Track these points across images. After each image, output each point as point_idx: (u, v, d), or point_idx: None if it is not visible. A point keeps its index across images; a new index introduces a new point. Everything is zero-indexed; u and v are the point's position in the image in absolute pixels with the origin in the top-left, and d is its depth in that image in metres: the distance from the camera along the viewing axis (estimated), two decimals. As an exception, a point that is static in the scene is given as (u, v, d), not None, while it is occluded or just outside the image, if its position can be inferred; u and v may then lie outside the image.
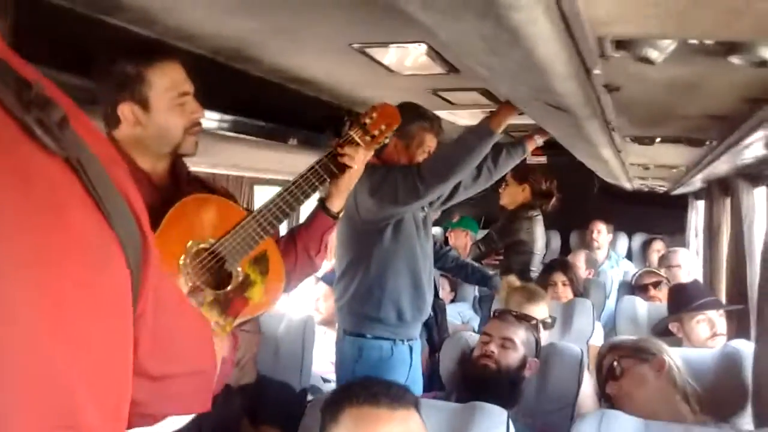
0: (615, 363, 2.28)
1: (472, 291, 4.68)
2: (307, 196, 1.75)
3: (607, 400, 2.30)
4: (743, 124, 1.54)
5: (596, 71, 1.11)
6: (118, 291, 0.62)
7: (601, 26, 0.88)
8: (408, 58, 2.37)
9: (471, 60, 1.19)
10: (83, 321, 0.57)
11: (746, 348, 2.38)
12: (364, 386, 1.56)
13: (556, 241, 6.50)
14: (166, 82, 1.60)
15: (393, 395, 1.53)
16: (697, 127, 1.74)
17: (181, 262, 1.55)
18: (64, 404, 0.55)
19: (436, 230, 5.73)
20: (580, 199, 5.75)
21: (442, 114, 3.54)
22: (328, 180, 1.79)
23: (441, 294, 3.92)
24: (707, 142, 1.95)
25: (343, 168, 1.80)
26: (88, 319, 0.57)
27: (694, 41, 0.95)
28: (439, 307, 3.34)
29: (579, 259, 5.05)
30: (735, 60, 0.98)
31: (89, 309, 0.57)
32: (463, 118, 3.75)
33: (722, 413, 2.27)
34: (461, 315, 4.55)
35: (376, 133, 1.84)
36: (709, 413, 2.20)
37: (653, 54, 0.96)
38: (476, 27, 0.88)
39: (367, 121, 1.84)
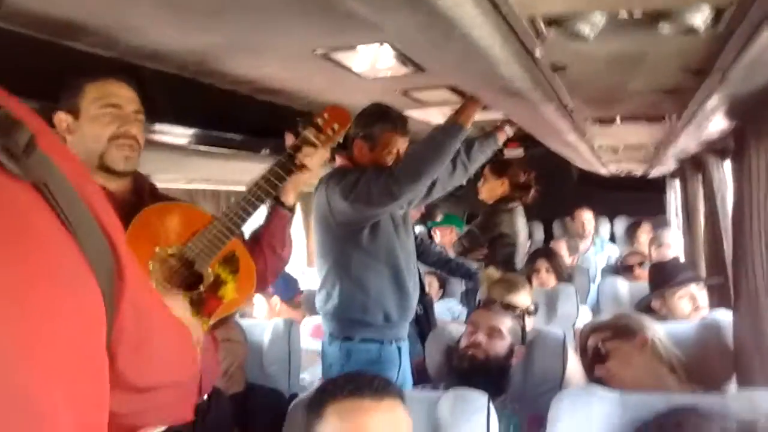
0: (599, 345, 2.28)
1: (460, 286, 4.70)
2: (269, 195, 1.81)
3: (595, 382, 2.30)
4: (694, 96, 1.57)
5: (538, 52, 1.14)
6: (88, 312, 0.62)
7: (529, 5, 0.92)
8: (373, 60, 2.38)
9: (420, 55, 1.23)
10: (55, 346, 0.56)
11: (725, 317, 2.42)
12: (347, 380, 1.57)
13: (540, 233, 6.55)
14: (97, 93, 1.65)
15: (377, 386, 1.53)
16: (651, 103, 1.78)
17: (150, 267, 1.60)
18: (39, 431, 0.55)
19: (419, 229, 5.74)
20: (560, 188, 5.82)
21: (414, 113, 3.55)
22: (287, 178, 1.85)
23: (428, 290, 3.92)
24: (666, 118, 1.99)
25: (301, 166, 1.86)
26: (60, 344, 0.57)
27: (624, 14, 0.99)
28: (427, 302, 3.34)
29: (561, 248, 5.10)
30: (665, 29, 1.01)
31: (60, 334, 0.57)
32: (435, 116, 3.77)
33: (710, 383, 2.29)
34: (450, 311, 4.57)
35: (330, 132, 1.92)
36: (698, 383, 2.22)
37: (585, 29, 0.99)
38: (413, 19, 0.91)
39: (320, 121, 1.92)
